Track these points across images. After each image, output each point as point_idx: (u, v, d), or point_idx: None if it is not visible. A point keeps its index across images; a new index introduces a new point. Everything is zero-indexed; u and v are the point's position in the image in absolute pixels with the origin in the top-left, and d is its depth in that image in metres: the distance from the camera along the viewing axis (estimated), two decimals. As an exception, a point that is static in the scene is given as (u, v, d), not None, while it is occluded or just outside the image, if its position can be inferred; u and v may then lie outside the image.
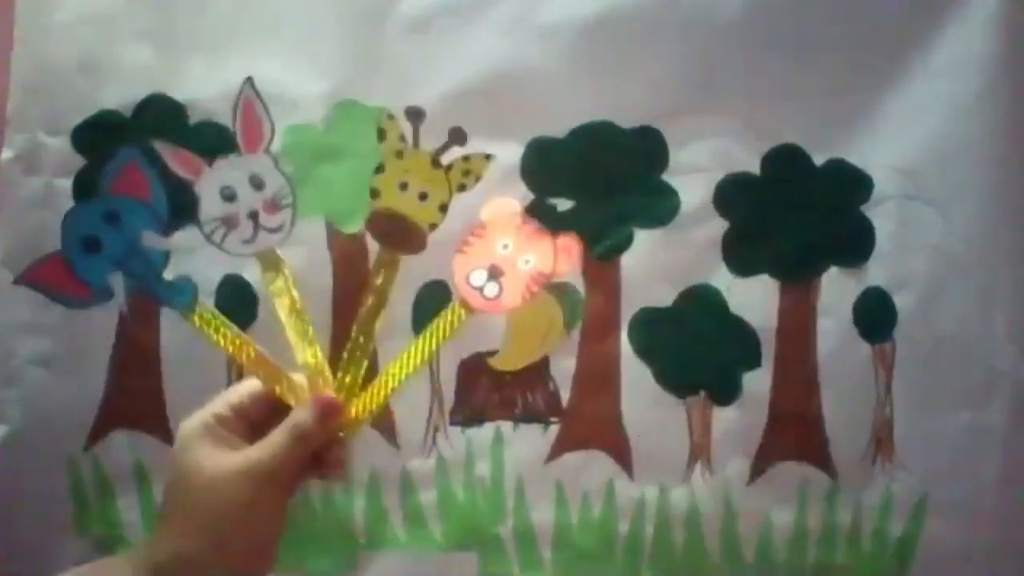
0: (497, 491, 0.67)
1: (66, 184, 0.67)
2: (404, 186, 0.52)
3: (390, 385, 0.52)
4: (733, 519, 0.66)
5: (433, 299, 0.65)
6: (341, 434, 0.51)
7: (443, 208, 0.52)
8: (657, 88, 0.65)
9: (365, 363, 0.52)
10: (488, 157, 0.53)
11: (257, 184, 0.50)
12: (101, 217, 0.49)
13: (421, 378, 0.67)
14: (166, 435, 0.68)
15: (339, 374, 0.52)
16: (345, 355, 0.52)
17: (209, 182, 0.50)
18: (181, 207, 0.51)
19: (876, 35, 0.65)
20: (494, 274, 0.52)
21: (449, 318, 0.52)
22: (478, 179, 0.53)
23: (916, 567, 0.66)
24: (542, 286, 0.52)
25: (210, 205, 0.50)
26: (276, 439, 0.47)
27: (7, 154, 0.68)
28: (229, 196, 0.50)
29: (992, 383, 0.65)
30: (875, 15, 0.65)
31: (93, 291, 0.49)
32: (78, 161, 0.67)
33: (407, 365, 0.52)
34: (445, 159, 0.53)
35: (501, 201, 0.53)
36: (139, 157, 0.49)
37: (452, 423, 0.67)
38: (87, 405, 0.68)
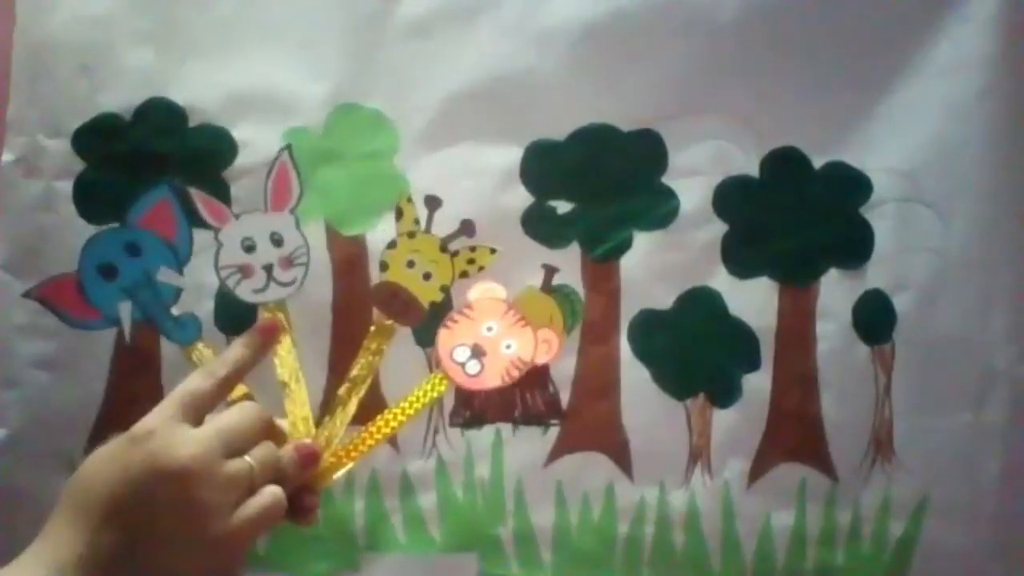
0: (497, 493, 0.67)
1: (67, 187, 0.67)
2: (411, 264, 0.57)
3: (367, 443, 0.56)
4: (733, 521, 0.66)
5: (435, 317, 0.65)
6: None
7: (444, 289, 0.56)
8: (656, 91, 0.65)
9: (348, 418, 0.56)
10: (494, 251, 0.58)
11: (277, 241, 0.54)
12: (122, 246, 0.51)
13: (421, 379, 0.67)
14: (166, 437, 0.68)
15: (320, 427, 0.55)
16: (330, 408, 0.56)
17: (232, 232, 0.52)
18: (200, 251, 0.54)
19: (875, 36, 0.65)
20: (477, 353, 0.57)
21: (430, 387, 0.57)
22: (481, 269, 0.58)
23: (916, 568, 0.66)
24: (521, 371, 0.57)
25: (230, 253, 0.52)
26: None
27: (7, 157, 0.67)
28: (249, 248, 0.53)
29: (992, 383, 0.65)
30: (874, 16, 0.65)
31: (100, 316, 0.51)
32: (78, 164, 0.67)
33: (386, 426, 0.57)
34: (453, 246, 0.58)
35: (489, 286, 0.58)
36: (171, 197, 0.51)
37: (452, 425, 0.67)
38: (87, 407, 0.68)
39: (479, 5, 0.65)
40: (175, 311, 0.53)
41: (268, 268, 0.54)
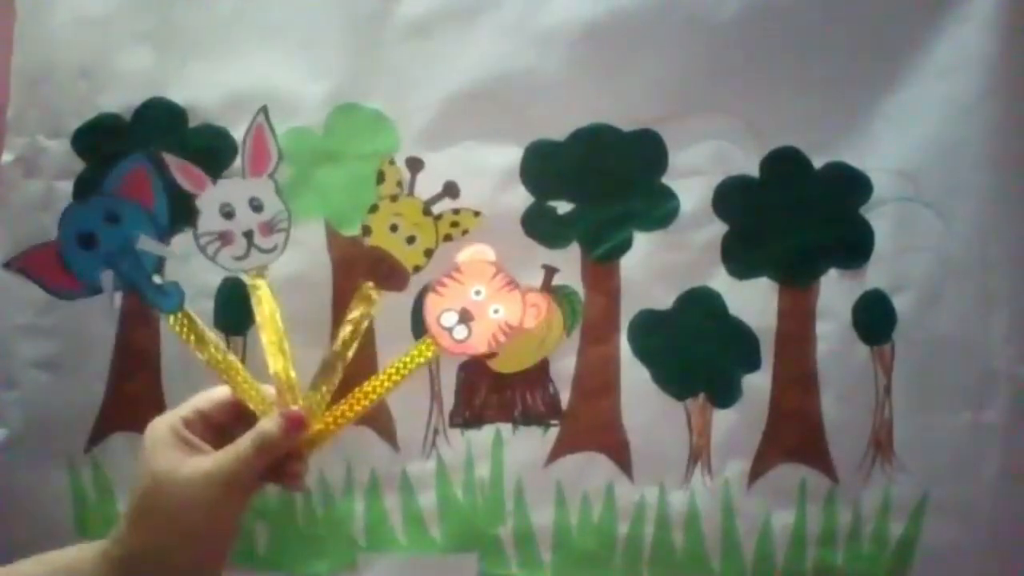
0: (497, 493, 0.67)
1: (67, 187, 0.67)
2: (394, 228, 0.55)
3: (354, 409, 0.55)
4: (733, 521, 0.66)
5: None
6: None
7: (428, 253, 0.55)
8: (656, 91, 0.65)
9: (335, 384, 0.55)
10: (477, 214, 0.57)
11: (256, 206, 0.53)
12: (102, 215, 0.51)
13: (421, 380, 0.67)
14: (166, 437, 0.68)
15: (309, 391, 0.54)
16: (316, 375, 0.55)
17: (210, 198, 0.52)
18: (180, 217, 0.53)
19: (875, 36, 0.65)
20: (464, 318, 0.56)
21: (417, 353, 0.56)
22: (465, 232, 0.56)
23: (916, 568, 0.66)
24: (508, 336, 0.56)
25: (209, 219, 0.52)
26: (242, 446, 0.49)
27: (7, 157, 0.68)
28: (228, 214, 0.52)
29: (992, 384, 0.65)
30: (874, 16, 0.64)
31: (82, 285, 0.51)
32: (78, 164, 0.67)
33: (373, 393, 0.55)
34: (436, 208, 0.56)
35: (478, 248, 0.56)
36: (147, 164, 0.51)
37: (452, 425, 0.67)
38: (87, 407, 0.68)
39: (479, 5, 0.65)
40: (157, 279, 0.52)
41: (248, 234, 0.53)
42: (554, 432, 0.67)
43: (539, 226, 0.66)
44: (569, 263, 0.66)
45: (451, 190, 0.57)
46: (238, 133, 0.65)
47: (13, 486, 0.68)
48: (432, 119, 0.65)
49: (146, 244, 0.52)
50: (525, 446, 0.67)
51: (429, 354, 0.56)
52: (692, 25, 0.64)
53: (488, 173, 0.65)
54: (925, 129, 0.65)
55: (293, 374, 0.54)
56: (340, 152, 0.65)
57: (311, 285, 0.65)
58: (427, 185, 0.59)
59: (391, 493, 0.68)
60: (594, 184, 0.66)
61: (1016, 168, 0.64)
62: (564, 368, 0.67)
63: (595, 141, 0.65)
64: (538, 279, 0.66)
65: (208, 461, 0.49)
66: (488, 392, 0.67)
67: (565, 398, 0.67)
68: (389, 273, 0.55)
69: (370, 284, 0.56)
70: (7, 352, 0.68)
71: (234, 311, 0.64)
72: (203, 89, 0.66)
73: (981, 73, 0.64)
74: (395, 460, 0.68)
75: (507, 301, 0.56)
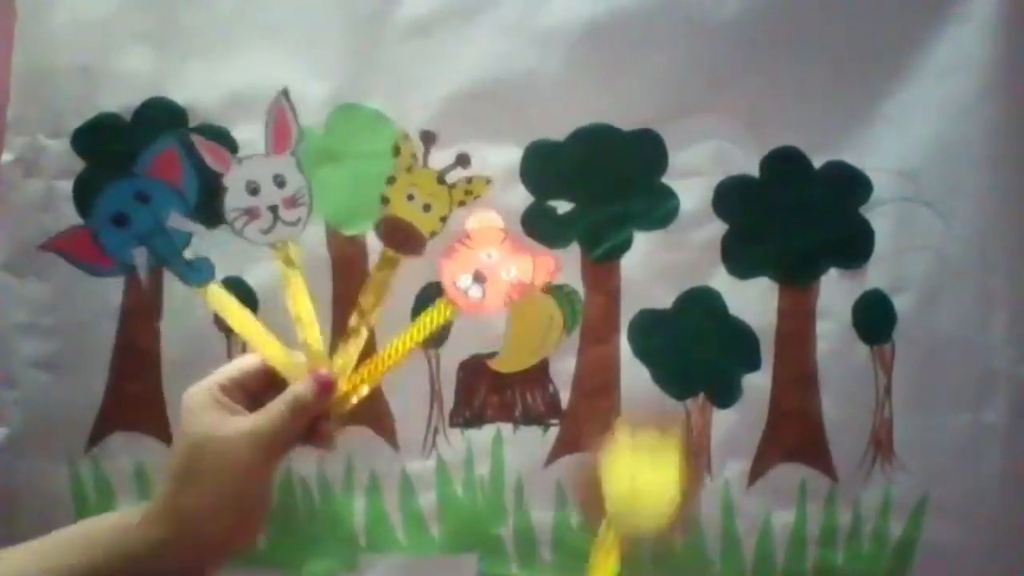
0: (497, 492, 0.67)
1: (66, 187, 0.67)
2: (411, 197, 0.58)
3: (380, 369, 0.57)
4: (733, 521, 0.66)
5: (431, 300, 0.65)
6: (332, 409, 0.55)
7: (443, 219, 0.57)
8: (656, 91, 0.65)
9: (360, 347, 0.56)
10: (488, 181, 0.58)
11: (280, 182, 0.56)
12: (133, 195, 0.54)
13: (421, 380, 0.67)
14: (165, 437, 0.69)
15: (335, 356, 0.56)
16: (344, 339, 0.57)
17: (236, 176, 0.54)
18: (209, 196, 0.55)
19: (875, 36, 0.65)
20: (478, 279, 0.58)
21: (436, 313, 0.57)
22: (477, 198, 0.58)
23: (916, 568, 0.66)
24: (521, 295, 0.58)
25: (235, 196, 0.54)
26: (276, 409, 0.51)
27: (8, 157, 0.68)
28: (253, 190, 0.55)
29: (991, 383, 0.65)
30: (874, 16, 0.64)
31: (115, 263, 0.54)
32: (78, 164, 0.67)
33: (396, 352, 0.57)
34: (450, 178, 0.58)
35: (486, 214, 0.58)
36: (177, 145, 0.53)
37: (452, 425, 0.67)
38: (87, 407, 0.68)
39: (479, 5, 0.65)
40: (188, 255, 0.55)
41: (273, 209, 0.56)
42: (554, 432, 0.67)
43: (539, 226, 0.66)
44: (569, 263, 0.66)
45: (463, 160, 0.58)
46: (238, 133, 0.65)
47: (13, 486, 0.68)
48: (432, 119, 0.65)
49: (176, 222, 0.54)
50: (525, 446, 0.67)
51: (448, 313, 0.58)
52: (692, 25, 0.64)
53: (488, 173, 0.65)
54: (925, 129, 0.65)
55: (322, 342, 0.56)
56: (340, 152, 0.65)
57: (311, 285, 0.65)
58: (440, 157, 0.60)
59: (391, 493, 0.68)
60: (594, 184, 0.66)
61: (1016, 168, 0.64)
62: (564, 368, 0.67)
63: (595, 141, 0.65)
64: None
65: (247, 422, 0.51)
66: (488, 392, 0.67)
67: (565, 398, 0.67)
68: (406, 239, 0.58)
69: (391, 249, 0.58)
70: (7, 352, 0.69)
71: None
72: (203, 89, 0.66)
73: (981, 73, 0.64)
74: (395, 460, 0.68)
75: (518, 262, 0.58)
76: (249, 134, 0.65)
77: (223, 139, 0.65)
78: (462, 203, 0.58)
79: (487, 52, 0.65)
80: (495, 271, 0.58)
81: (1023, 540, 0.65)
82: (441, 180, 0.58)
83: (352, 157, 0.65)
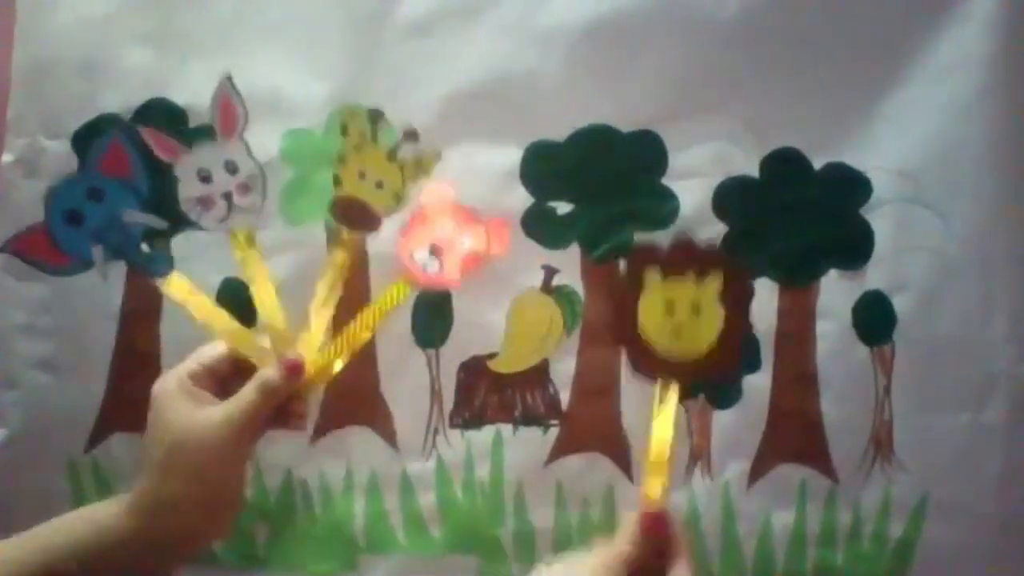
0: (497, 494, 0.67)
1: (66, 187, 0.67)
2: (363, 175, 0.58)
3: (345, 349, 0.58)
4: (733, 521, 0.66)
5: (428, 306, 0.65)
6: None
7: (396, 196, 0.58)
8: (656, 92, 0.65)
9: (324, 327, 0.57)
10: (438, 155, 0.59)
11: (231, 169, 0.56)
12: (85, 193, 0.54)
13: (421, 380, 0.67)
14: (166, 437, 0.69)
15: (300, 337, 0.57)
16: (307, 320, 0.58)
17: (187, 165, 0.54)
18: (161, 187, 0.55)
19: (875, 36, 0.64)
20: (434, 252, 0.58)
21: (396, 292, 0.58)
22: (428, 172, 0.58)
23: (916, 568, 0.66)
24: (478, 264, 0.59)
25: (188, 186, 0.55)
26: (246, 395, 0.53)
27: (7, 158, 0.68)
28: (205, 178, 0.55)
29: (992, 384, 0.65)
30: (874, 16, 0.64)
31: (73, 261, 0.54)
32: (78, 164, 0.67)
33: (359, 332, 0.58)
34: (400, 154, 0.59)
35: (438, 187, 0.59)
36: (122, 138, 0.53)
37: (452, 425, 0.67)
38: (87, 408, 0.68)
39: (479, 5, 0.65)
40: (145, 248, 0.56)
41: (227, 196, 0.56)
42: (554, 432, 0.67)
43: (539, 226, 0.66)
44: (569, 263, 0.66)
45: (411, 136, 0.59)
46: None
47: (13, 486, 0.68)
48: (432, 119, 0.65)
49: (131, 216, 0.54)
50: (525, 446, 0.67)
51: (407, 290, 0.59)
52: (692, 25, 0.64)
53: (488, 173, 0.65)
54: (925, 129, 0.64)
55: (285, 324, 0.57)
56: (342, 155, 0.65)
57: (311, 285, 0.65)
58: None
59: (391, 493, 0.68)
60: (594, 184, 0.66)
61: (1016, 168, 0.64)
62: (564, 368, 0.67)
63: (595, 141, 0.65)
64: (538, 279, 0.66)
65: (219, 411, 0.52)
66: (488, 392, 0.67)
67: (565, 398, 0.67)
68: (361, 216, 0.58)
69: (346, 229, 0.59)
70: (7, 352, 0.69)
71: (235, 311, 0.64)
72: (203, 89, 0.66)
73: (981, 73, 0.63)
74: (395, 460, 0.68)
75: (472, 231, 0.59)
76: (249, 134, 0.64)
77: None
78: (413, 178, 0.58)
79: (487, 52, 0.65)
80: (450, 243, 0.58)
81: (1023, 540, 0.65)
82: (391, 157, 0.58)
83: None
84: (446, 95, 0.65)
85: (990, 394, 0.65)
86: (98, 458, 0.69)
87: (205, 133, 0.56)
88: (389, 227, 0.58)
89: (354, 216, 0.58)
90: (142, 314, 0.67)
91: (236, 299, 0.65)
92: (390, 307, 0.59)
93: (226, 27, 0.67)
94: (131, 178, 0.55)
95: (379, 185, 0.58)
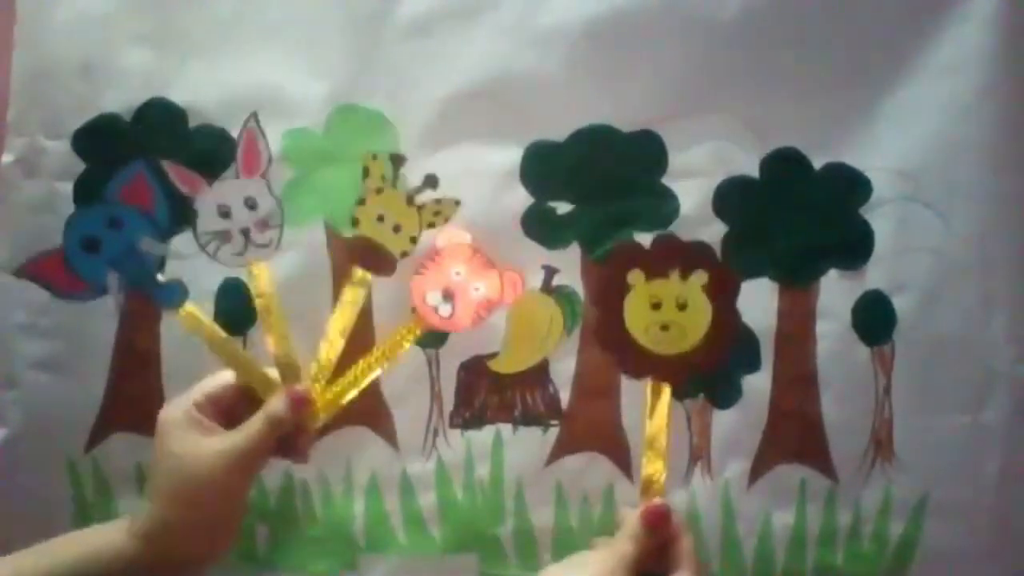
0: (497, 493, 0.67)
1: (67, 188, 0.67)
2: (381, 218, 0.60)
3: (354, 385, 0.60)
4: (733, 521, 0.66)
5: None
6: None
7: (413, 240, 0.61)
8: (656, 91, 0.65)
9: (333, 362, 0.59)
10: (457, 203, 0.61)
11: (251, 205, 0.57)
12: (104, 221, 0.55)
13: (421, 381, 0.67)
14: (166, 438, 0.69)
15: (312, 370, 0.58)
16: (316, 356, 0.59)
17: (207, 200, 0.55)
18: (180, 219, 0.57)
19: (875, 36, 0.64)
20: (448, 296, 0.61)
21: (407, 331, 0.61)
22: (447, 220, 0.61)
23: (916, 568, 0.66)
24: (490, 312, 0.61)
25: (207, 220, 0.57)
26: (252, 427, 0.54)
27: (8, 158, 0.68)
28: (224, 213, 0.56)
29: (992, 384, 0.65)
30: (874, 16, 0.64)
31: (88, 287, 0.56)
32: (79, 165, 0.67)
33: (368, 370, 0.60)
34: (419, 199, 0.61)
35: (454, 232, 0.61)
36: (146, 170, 0.54)
37: (452, 425, 0.67)
38: (87, 408, 0.68)
39: (479, 5, 0.65)
40: (160, 278, 0.57)
41: (245, 232, 0.58)
42: (554, 432, 0.67)
43: (539, 226, 0.66)
44: (569, 263, 0.66)
45: (431, 181, 0.61)
46: (238, 133, 0.65)
47: (13, 486, 0.68)
48: (432, 119, 0.65)
49: (148, 246, 0.56)
50: (525, 446, 0.67)
51: (418, 331, 0.61)
52: (692, 25, 0.64)
53: (488, 173, 0.65)
54: (925, 129, 0.64)
55: (295, 357, 0.58)
56: (340, 152, 0.65)
57: (311, 285, 0.66)
58: (409, 178, 0.63)
59: (391, 493, 0.68)
60: (594, 184, 0.65)
61: (1016, 168, 0.64)
62: (564, 368, 0.67)
63: (595, 141, 0.65)
64: (538, 279, 0.66)
65: (224, 441, 0.53)
66: (488, 392, 0.67)
67: (565, 398, 0.67)
68: (376, 259, 0.60)
69: (360, 269, 0.61)
70: (7, 352, 0.69)
71: (233, 312, 0.64)
72: (203, 89, 0.66)
73: (981, 73, 0.63)
74: (395, 460, 0.68)
75: (486, 279, 0.61)
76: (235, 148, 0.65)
77: (223, 140, 0.65)
78: (431, 225, 0.61)
79: (487, 52, 0.65)
80: (464, 288, 0.60)
81: (1023, 540, 0.65)
82: (410, 202, 0.60)
83: (352, 157, 0.65)
84: (446, 95, 0.65)
85: (990, 394, 0.65)
86: (98, 458, 0.69)
87: (227, 149, 0.59)
88: (401, 267, 0.60)
89: (371, 258, 0.60)
90: (142, 314, 0.67)
91: (234, 302, 0.65)
92: (400, 347, 0.60)
93: (226, 27, 0.67)
94: (151, 209, 0.56)
95: (396, 229, 0.60)
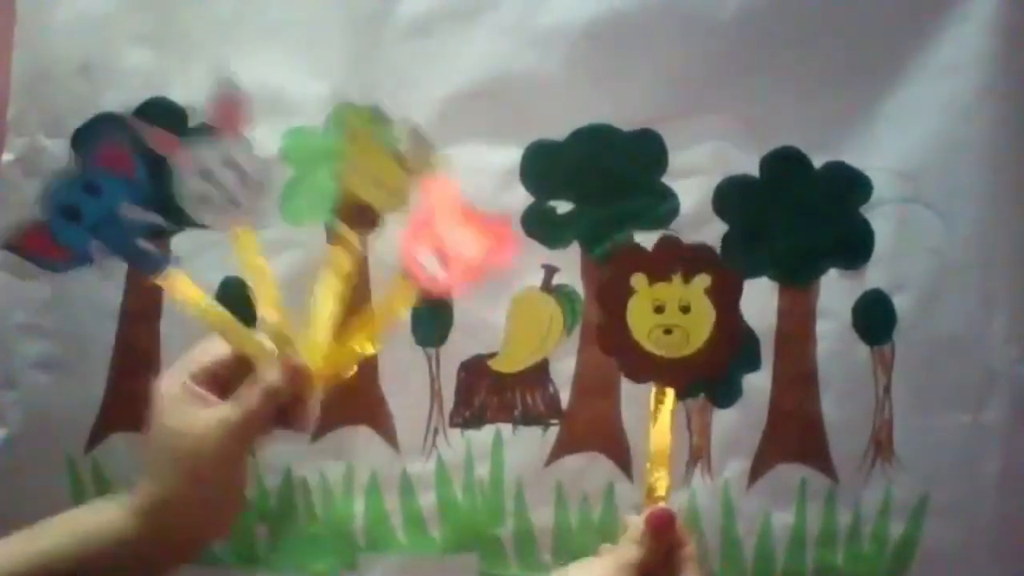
0: (497, 493, 0.67)
1: (66, 187, 0.67)
2: (362, 172, 0.57)
3: (350, 354, 0.56)
4: (733, 521, 0.66)
5: (428, 305, 0.65)
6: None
7: (397, 193, 0.56)
8: (656, 91, 0.65)
9: (327, 330, 0.56)
10: (438, 151, 0.57)
11: (232, 165, 0.54)
12: (81, 188, 0.53)
13: (421, 380, 0.67)
14: (166, 437, 0.68)
15: (307, 337, 0.55)
16: (308, 322, 0.56)
17: (188, 162, 0.54)
18: (161, 181, 0.54)
19: (875, 35, 0.64)
20: (439, 256, 0.56)
21: (400, 295, 0.56)
22: (431, 169, 0.57)
23: (916, 568, 0.66)
24: (483, 273, 0.56)
25: (188, 183, 0.54)
26: (247, 397, 0.52)
27: (7, 157, 0.68)
28: (206, 175, 0.53)
29: (992, 383, 0.65)
30: (874, 16, 0.64)
31: (71, 256, 0.54)
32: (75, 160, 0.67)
33: (365, 339, 0.56)
34: (402, 151, 0.57)
35: (443, 185, 0.57)
36: (120, 133, 0.53)
37: (452, 425, 0.67)
38: (87, 408, 0.68)
39: (479, 5, 0.65)
40: (142, 244, 0.54)
41: (229, 193, 0.55)
42: (554, 432, 0.67)
43: (539, 226, 0.66)
44: (569, 263, 0.66)
45: (414, 133, 0.58)
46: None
47: (13, 486, 0.68)
48: (432, 119, 0.65)
49: (129, 211, 0.54)
50: (525, 446, 0.67)
51: (411, 295, 0.57)
52: (692, 25, 0.64)
53: (488, 173, 0.65)
54: (925, 129, 0.64)
55: (286, 322, 0.56)
56: (340, 152, 0.65)
57: (311, 285, 0.65)
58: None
59: (391, 493, 0.68)
60: (594, 184, 0.66)
61: (1016, 168, 0.64)
62: (564, 368, 0.67)
63: (595, 141, 0.65)
64: (538, 279, 0.66)
65: (221, 412, 0.52)
66: (488, 392, 0.67)
67: (565, 398, 0.67)
68: (359, 214, 0.57)
69: (344, 225, 0.58)
70: (7, 352, 0.69)
71: (236, 309, 0.64)
72: (203, 89, 0.66)
73: (981, 73, 0.63)
74: (395, 460, 0.68)
75: (476, 237, 0.57)
76: (249, 134, 0.65)
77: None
78: (416, 175, 0.57)
79: (487, 52, 0.65)
80: (456, 249, 0.57)
81: (1023, 540, 0.65)
82: (393, 154, 0.57)
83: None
84: (446, 95, 0.65)
85: (990, 394, 0.65)
86: (98, 458, 0.69)
87: (206, 130, 0.55)
88: (391, 227, 0.57)
89: (352, 213, 0.57)
90: (142, 314, 0.67)
91: (236, 299, 0.65)
92: (395, 313, 0.58)
93: (226, 27, 0.67)
94: (130, 174, 0.54)
95: (378, 182, 0.57)
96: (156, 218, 0.55)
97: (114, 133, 0.54)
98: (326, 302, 0.57)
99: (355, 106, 0.58)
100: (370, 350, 0.57)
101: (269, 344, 0.55)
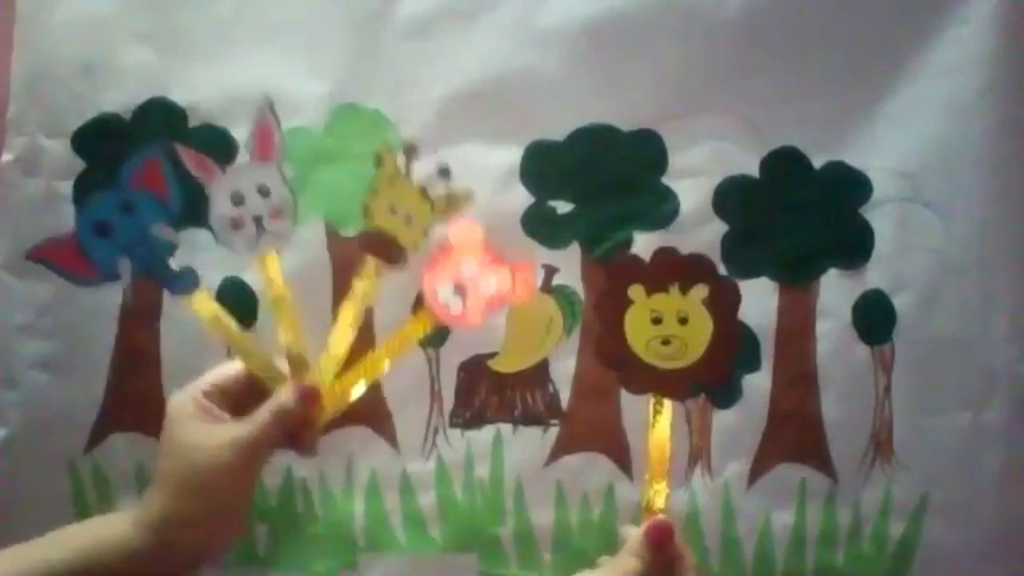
0: (497, 493, 0.67)
1: (66, 187, 0.67)
2: (393, 210, 0.58)
3: (362, 380, 0.58)
4: (733, 521, 0.66)
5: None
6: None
7: (425, 232, 0.58)
8: (656, 91, 0.65)
9: (342, 356, 0.57)
10: (470, 195, 0.58)
11: (264, 192, 0.56)
12: (117, 206, 0.54)
13: (421, 380, 0.67)
14: (166, 437, 0.69)
15: (320, 363, 0.57)
16: (326, 349, 0.58)
17: (221, 186, 0.54)
18: (194, 206, 0.55)
19: (875, 36, 0.64)
20: (459, 292, 0.58)
21: (417, 326, 0.58)
22: (459, 211, 0.58)
23: (916, 568, 0.66)
24: (501, 308, 0.58)
25: (220, 206, 0.55)
26: (260, 418, 0.53)
27: (7, 157, 0.68)
28: (238, 200, 0.54)
29: (992, 383, 0.65)
30: (875, 16, 0.64)
31: (99, 272, 0.55)
32: (78, 164, 0.67)
33: (375, 366, 0.58)
34: (432, 191, 0.58)
35: (467, 226, 0.59)
36: (160, 155, 0.53)
37: (452, 425, 0.67)
38: (87, 408, 0.68)
39: (479, 5, 0.65)
40: (173, 265, 0.56)
41: (258, 219, 0.56)
42: (554, 432, 0.67)
43: (539, 226, 0.66)
44: (569, 263, 0.66)
45: (444, 173, 0.59)
46: (238, 133, 0.65)
47: (13, 486, 0.68)
48: (432, 119, 0.65)
49: (160, 231, 0.54)
50: (525, 446, 0.67)
51: (428, 327, 0.58)
52: (692, 25, 0.64)
53: (488, 173, 0.65)
54: (925, 129, 0.64)
55: (305, 349, 0.57)
56: (340, 152, 0.65)
57: (311, 285, 0.65)
58: (422, 169, 0.60)
59: (391, 493, 0.68)
60: (594, 184, 0.66)
61: (1016, 168, 0.64)
62: (564, 368, 0.67)
63: (595, 141, 0.65)
64: (538, 279, 0.66)
65: (232, 431, 0.53)
66: (488, 392, 0.67)
67: (565, 398, 0.67)
68: (387, 250, 0.58)
69: (373, 260, 0.59)
70: (7, 352, 0.69)
71: (236, 308, 0.64)
72: (203, 89, 0.66)
73: (981, 73, 0.64)
74: (395, 460, 0.68)
75: (497, 274, 0.59)
76: (249, 134, 0.65)
77: (223, 139, 0.65)
78: (443, 217, 0.59)
79: (487, 52, 0.65)
80: (475, 283, 0.58)
81: (1023, 540, 0.65)
82: (424, 193, 0.58)
83: (352, 157, 0.65)
84: (446, 95, 0.65)
85: (990, 394, 0.65)
86: (98, 458, 0.69)
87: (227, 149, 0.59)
88: (411, 260, 0.58)
89: (382, 249, 0.58)
90: (142, 314, 0.67)
91: (236, 298, 0.65)
92: (409, 343, 0.59)
93: (226, 27, 0.67)
94: (164, 195, 0.55)
95: (408, 220, 0.58)
96: (182, 239, 0.56)
97: (153, 154, 0.55)
98: (344, 333, 0.58)
99: (392, 142, 0.58)
100: (379, 373, 0.58)
101: (286, 368, 0.57)
